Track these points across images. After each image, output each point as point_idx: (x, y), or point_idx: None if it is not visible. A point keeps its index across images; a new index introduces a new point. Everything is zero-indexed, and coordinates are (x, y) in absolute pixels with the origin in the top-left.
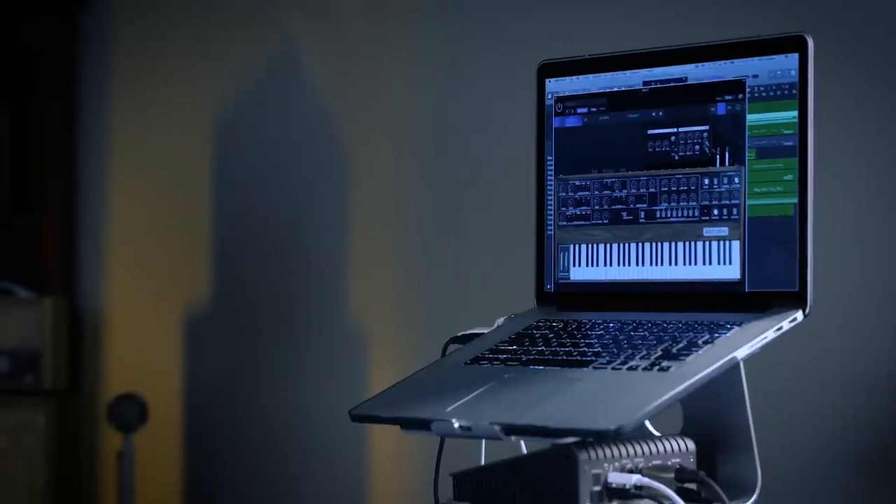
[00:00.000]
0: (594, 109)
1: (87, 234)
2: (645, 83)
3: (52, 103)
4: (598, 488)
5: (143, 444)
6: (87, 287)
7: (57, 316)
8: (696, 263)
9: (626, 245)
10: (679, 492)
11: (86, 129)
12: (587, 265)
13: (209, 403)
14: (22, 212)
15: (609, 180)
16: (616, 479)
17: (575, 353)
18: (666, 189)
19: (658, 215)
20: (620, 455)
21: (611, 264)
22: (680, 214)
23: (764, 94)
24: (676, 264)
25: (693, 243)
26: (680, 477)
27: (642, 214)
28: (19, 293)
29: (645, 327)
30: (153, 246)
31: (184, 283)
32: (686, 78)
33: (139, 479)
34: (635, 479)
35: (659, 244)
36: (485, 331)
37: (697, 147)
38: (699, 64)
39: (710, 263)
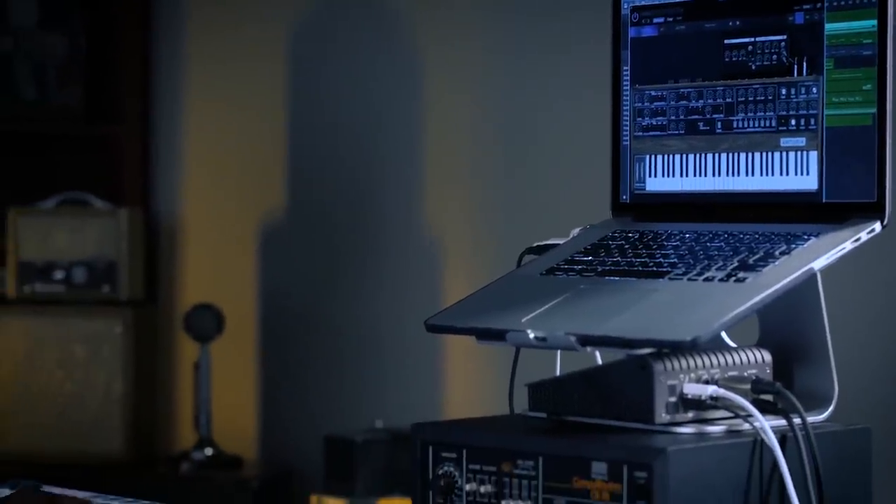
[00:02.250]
0: (670, 19)
1: (162, 144)
2: None
3: (127, 14)
4: (673, 399)
5: (218, 354)
6: (163, 197)
7: (133, 226)
8: (772, 174)
9: (703, 155)
10: (755, 403)
11: (161, 40)
12: (663, 176)
13: (284, 314)
14: (98, 123)
15: (685, 90)
16: (692, 390)
17: (651, 264)
18: (742, 99)
19: (735, 126)
20: (696, 366)
21: (687, 175)
22: (757, 125)
23: (843, 2)
24: (753, 175)
25: (770, 154)
26: (756, 388)
27: (719, 125)
28: (95, 204)
29: (721, 238)
30: (229, 156)
31: (259, 194)
32: None
33: (215, 389)
34: (711, 390)
35: (735, 155)
36: (560, 241)
37: (775, 57)
38: None
39: (787, 174)
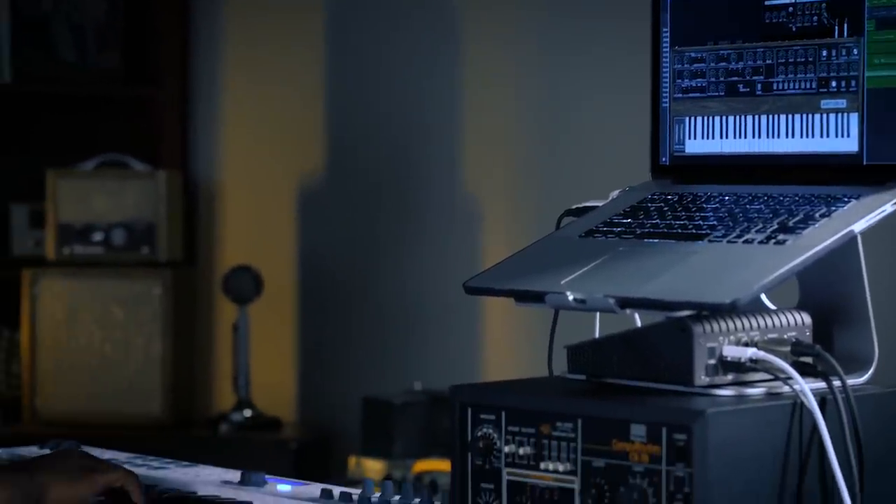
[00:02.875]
0: None
1: (201, 105)
2: None
3: None
4: (713, 361)
5: (257, 316)
6: (201, 160)
7: (172, 188)
8: (813, 136)
9: (742, 117)
10: (795, 365)
11: (200, 1)
12: (702, 138)
13: (323, 276)
14: (137, 85)
15: (725, 52)
16: (731, 352)
17: (690, 227)
18: (783, 61)
19: (775, 87)
20: (736, 328)
21: (726, 137)
22: (797, 87)
23: None
24: (793, 137)
25: (810, 116)
26: (796, 350)
27: (759, 87)
28: (134, 166)
29: (761, 200)
30: (267, 117)
31: (298, 156)
32: None
33: (253, 351)
34: (751, 352)
35: (775, 116)
36: (599, 204)
37: (815, 18)
38: None
39: (828, 136)
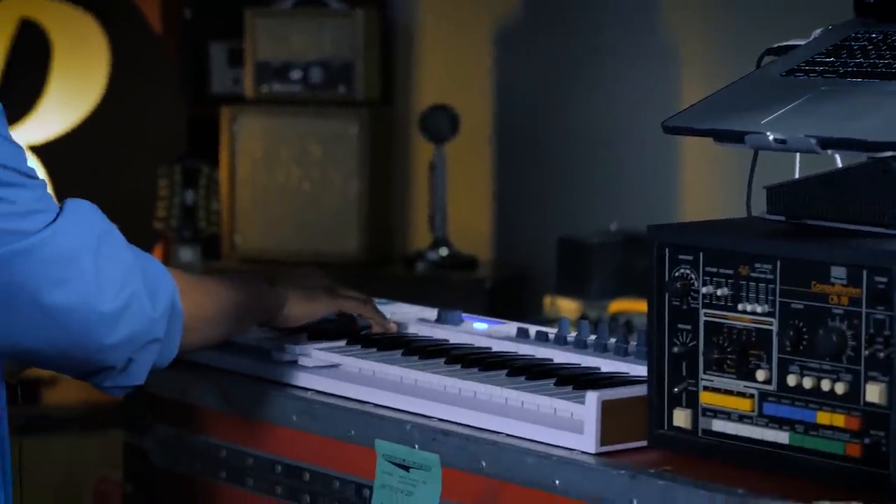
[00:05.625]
0: None
1: None
2: None
3: None
4: None
5: (453, 155)
6: None
7: (369, 27)
8: None
9: None
10: None
11: None
12: None
13: (519, 114)
14: None
15: None
16: None
17: (895, 66)
18: None
19: None
20: None
21: None
22: None
23: None
24: None
25: None
26: None
27: None
28: (332, 4)
29: None
30: None
31: None
32: None
33: (450, 189)
34: None
35: None
36: (801, 42)
37: None
38: None
39: None
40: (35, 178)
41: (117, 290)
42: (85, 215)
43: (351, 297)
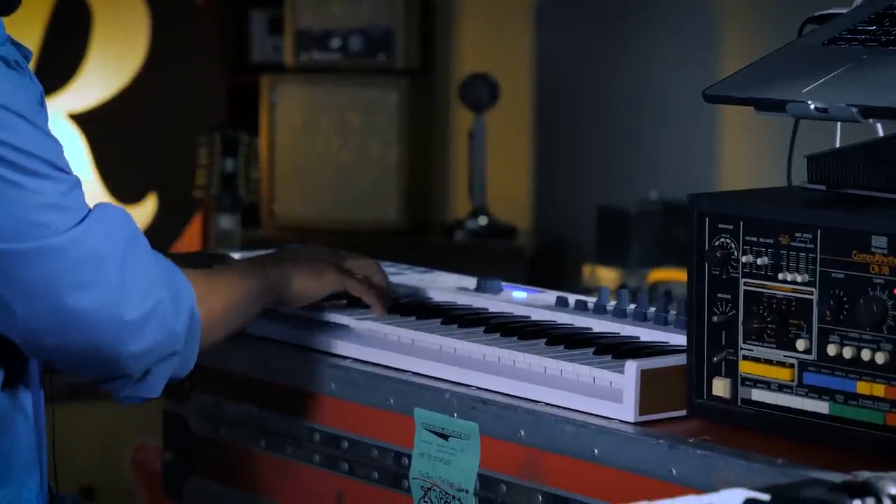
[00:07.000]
0: None
1: None
2: None
3: None
4: None
5: (493, 124)
6: None
7: None
8: None
9: None
10: None
11: None
12: None
13: (559, 84)
14: None
15: None
16: None
17: None
18: None
19: None
20: None
21: None
22: None
23: None
24: None
25: None
26: None
27: None
28: None
29: None
30: None
31: None
32: None
33: (489, 158)
34: None
35: None
36: (843, 10)
37: None
38: None
39: None
40: (67, 173)
41: (142, 297)
42: (114, 219)
43: (356, 279)
